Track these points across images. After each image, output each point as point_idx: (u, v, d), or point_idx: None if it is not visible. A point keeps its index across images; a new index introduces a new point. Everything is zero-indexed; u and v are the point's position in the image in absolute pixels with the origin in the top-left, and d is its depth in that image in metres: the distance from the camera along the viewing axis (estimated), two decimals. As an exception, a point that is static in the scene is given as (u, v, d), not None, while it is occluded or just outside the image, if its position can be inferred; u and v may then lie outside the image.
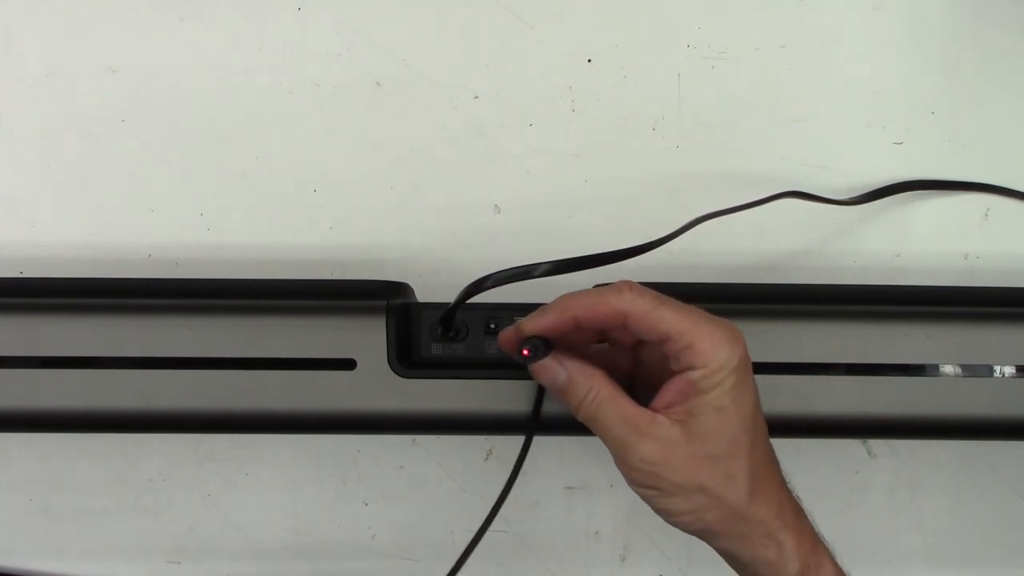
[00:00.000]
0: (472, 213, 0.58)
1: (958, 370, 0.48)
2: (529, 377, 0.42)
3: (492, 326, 0.48)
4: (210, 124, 0.58)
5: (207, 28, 0.58)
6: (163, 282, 0.50)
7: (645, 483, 0.39)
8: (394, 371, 0.47)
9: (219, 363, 0.47)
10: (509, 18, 0.59)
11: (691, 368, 0.38)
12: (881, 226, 0.58)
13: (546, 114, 0.58)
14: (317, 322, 0.48)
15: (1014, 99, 0.59)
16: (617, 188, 0.58)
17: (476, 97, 0.58)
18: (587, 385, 0.40)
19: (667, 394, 0.39)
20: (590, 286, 0.41)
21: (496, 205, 0.58)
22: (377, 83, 0.58)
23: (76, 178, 0.58)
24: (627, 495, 0.57)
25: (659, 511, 0.40)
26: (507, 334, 0.41)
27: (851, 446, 0.58)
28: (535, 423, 0.47)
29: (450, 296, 0.45)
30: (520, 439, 0.57)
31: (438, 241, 0.57)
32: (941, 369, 0.48)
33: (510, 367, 0.46)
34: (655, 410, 0.39)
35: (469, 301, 0.42)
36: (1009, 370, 0.48)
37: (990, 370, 0.48)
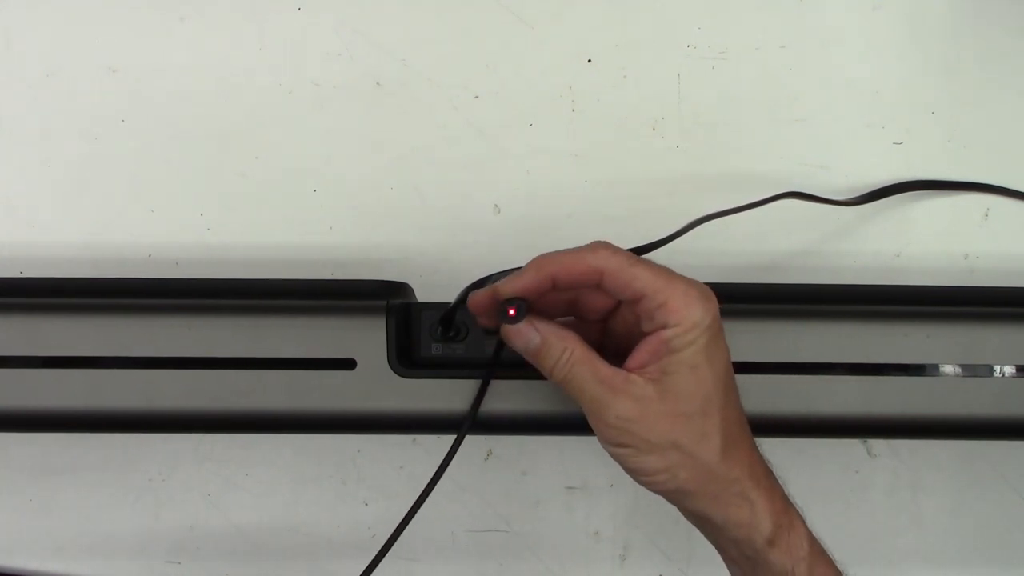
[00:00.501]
0: (472, 213, 0.58)
1: (958, 370, 0.48)
2: (530, 376, 0.42)
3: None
4: (210, 124, 0.58)
5: (207, 28, 0.58)
6: (163, 282, 0.50)
7: (619, 441, 0.39)
8: (394, 371, 0.47)
9: (219, 363, 0.47)
10: (509, 18, 0.59)
11: (665, 327, 0.38)
12: (881, 226, 0.58)
13: (546, 114, 0.58)
14: (317, 322, 0.48)
15: (1014, 99, 0.59)
16: (617, 188, 0.58)
17: (476, 97, 0.58)
18: (561, 346, 0.40)
19: (640, 354, 0.39)
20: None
21: (496, 205, 0.58)
22: (377, 83, 0.58)
23: (76, 178, 0.58)
24: (627, 495, 0.58)
25: (632, 471, 0.40)
26: (480, 296, 0.40)
27: (851, 446, 0.58)
28: (495, 366, 0.46)
29: (450, 296, 0.45)
30: (520, 439, 0.57)
31: (438, 241, 0.57)
32: (941, 369, 0.48)
33: (510, 367, 0.45)
34: (629, 370, 0.39)
35: (469, 301, 0.42)
36: (1009, 370, 0.48)
37: (990, 370, 0.48)
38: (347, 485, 0.57)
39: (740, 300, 0.48)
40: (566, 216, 0.58)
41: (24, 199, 0.57)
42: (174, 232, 0.57)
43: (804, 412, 0.48)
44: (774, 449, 0.43)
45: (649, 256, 0.41)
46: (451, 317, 0.46)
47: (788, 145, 0.58)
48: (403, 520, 0.45)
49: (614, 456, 0.40)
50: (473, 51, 0.59)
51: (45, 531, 0.57)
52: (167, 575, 0.57)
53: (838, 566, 0.41)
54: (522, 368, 0.42)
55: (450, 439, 0.57)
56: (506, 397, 0.47)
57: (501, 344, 0.44)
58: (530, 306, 0.40)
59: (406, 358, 0.48)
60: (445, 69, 0.58)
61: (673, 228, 0.46)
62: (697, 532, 0.42)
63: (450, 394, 0.47)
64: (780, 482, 0.41)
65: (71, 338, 0.47)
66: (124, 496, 0.57)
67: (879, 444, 0.58)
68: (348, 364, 0.47)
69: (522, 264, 0.40)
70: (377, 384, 0.47)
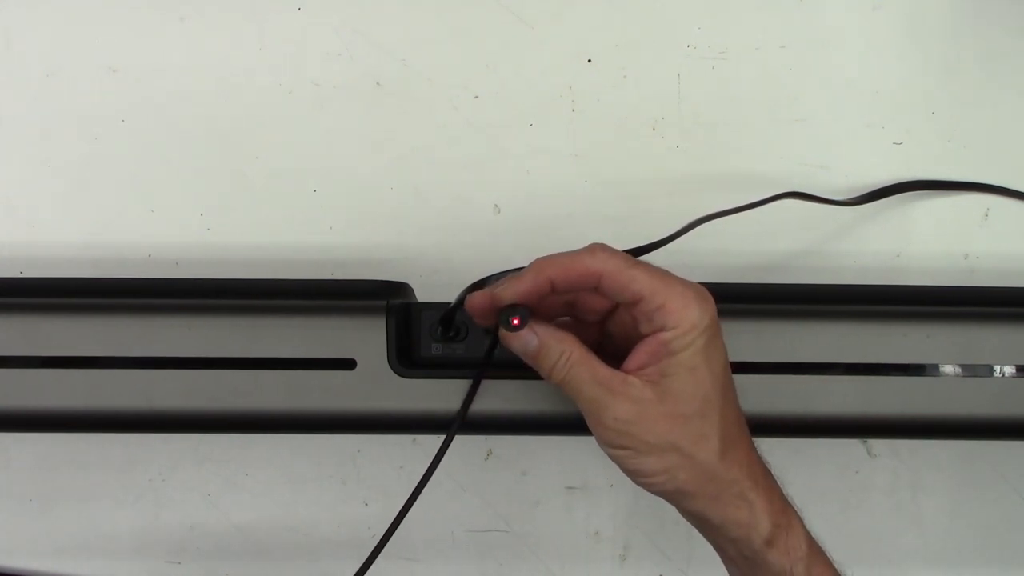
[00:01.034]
0: (472, 213, 0.58)
1: (958, 370, 0.48)
2: (528, 376, 0.42)
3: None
4: (210, 124, 0.58)
5: (207, 28, 0.58)
6: (163, 282, 0.50)
7: (618, 443, 0.39)
8: (394, 371, 0.47)
9: (219, 363, 0.47)
10: (509, 18, 0.59)
11: (663, 329, 0.38)
12: (881, 226, 0.58)
13: (546, 114, 0.58)
14: (317, 322, 0.48)
15: (1014, 99, 0.59)
16: (617, 188, 0.58)
17: (476, 97, 0.58)
18: (559, 348, 0.40)
19: (639, 356, 0.39)
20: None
21: (496, 205, 0.58)
22: (377, 83, 0.58)
23: (76, 178, 0.58)
24: (627, 495, 0.58)
25: (631, 472, 0.40)
26: (478, 299, 0.40)
27: (851, 446, 0.58)
28: (485, 366, 0.46)
29: (450, 296, 0.45)
30: (520, 439, 0.57)
31: (438, 241, 0.57)
32: (941, 369, 0.48)
33: (508, 367, 0.45)
34: (627, 371, 0.39)
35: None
36: (1009, 370, 0.48)
37: (990, 370, 0.48)
38: (347, 485, 0.57)
39: (740, 300, 0.48)
40: (566, 216, 0.58)
41: (24, 199, 0.57)
42: (174, 232, 0.57)
43: (803, 412, 0.48)
44: (773, 449, 0.43)
45: (648, 256, 0.41)
46: (451, 317, 0.46)
47: (788, 145, 0.58)
48: (396, 518, 0.45)
49: (613, 457, 0.40)
50: (473, 51, 0.59)
51: (45, 531, 0.57)
52: (167, 575, 0.57)
53: (836, 567, 0.41)
54: (520, 368, 0.42)
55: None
56: (504, 397, 0.47)
57: (493, 345, 0.44)
58: (531, 311, 0.40)
59: (406, 358, 0.48)
60: (445, 69, 0.58)
61: (673, 228, 0.46)
62: (697, 532, 0.42)
63: (450, 394, 0.47)
64: (779, 483, 0.41)
65: (71, 338, 0.47)
66: (124, 496, 0.57)
67: (879, 444, 0.58)
68: (348, 364, 0.47)
69: (521, 264, 0.40)
70: (377, 384, 0.47)
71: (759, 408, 0.46)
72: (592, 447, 0.41)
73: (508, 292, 0.39)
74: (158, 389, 0.47)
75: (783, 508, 0.41)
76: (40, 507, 0.57)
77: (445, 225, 0.58)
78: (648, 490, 0.40)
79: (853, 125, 0.59)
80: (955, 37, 0.59)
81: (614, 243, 0.40)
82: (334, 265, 0.57)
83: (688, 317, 0.38)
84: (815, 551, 0.41)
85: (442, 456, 0.45)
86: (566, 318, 0.44)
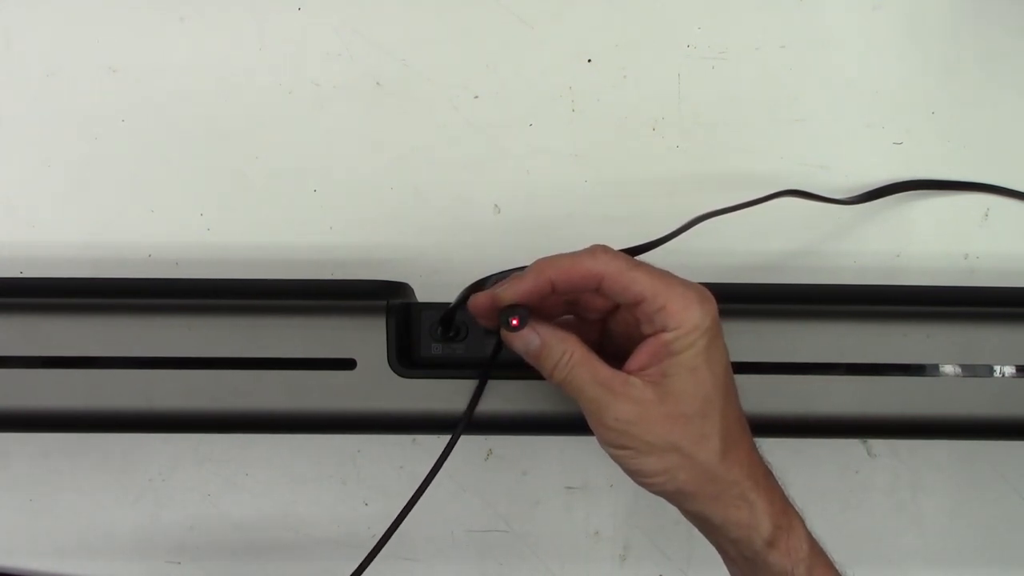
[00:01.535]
0: (472, 213, 0.58)
1: (958, 370, 0.48)
2: (530, 376, 0.42)
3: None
4: (210, 124, 0.58)
5: (207, 28, 0.58)
6: (163, 282, 0.50)
7: (619, 443, 0.39)
8: (394, 371, 0.47)
9: (219, 363, 0.47)
10: (509, 18, 0.59)
11: (664, 330, 0.38)
12: (881, 226, 0.58)
13: (546, 114, 0.58)
14: (317, 322, 0.48)
15: (1014, 99, 0.59)
16: (617, 188, 0.58)
17: (476, 97, 0.58)
18: (560, 348, 0.40)
19: (640, 356, 0.39)
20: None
21: (496, 205, 0.58)
22: (377, 83, 0.58)
23: (76, 178, 0.58)
24: (627, 495, 0.58)
25: (632, 472, 0.40)
26: (481, 300, 0.41)
27: (851, 446, 0.58)
28: (490, 367, 0.46)
29: (450, 296, 0.45)
30: (521, 439, 0.57)
31: (438, 241, 0.57)
32: (941, 369, 0.48)
33: (509, 367, 0.46)
34: (628, 372, 0.40)
35: (469, 301, 0.42)
36: (1009, 370, 0.48)
37: (990, 370, 0.48)
38: (347, 485, 0.57)
39: (740, 300, 0.48)
40: (566, 216, 0.58)
41: (24, 199, 0.57)
42: (174, 232, 0.57)
43: (804, 412, 0.48)
44: (774, 449, 0.43)
45: (648, 255, 0.41)
46: (451, 317, 0.47)
47: (788, 145, 0.58)
48: (397, 518, 0.45)
49: (613, 457, 0.40)
50: (473, 51, 0.59)
51: (45, 531, 0.57)
52: (167, 575, 0.57)
53: (838, 567, 0.41)
54: (521, 368, 0.42)
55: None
56: (505, 397, 0.47)
57: (499, 346, 0.44)
58: (532, 312, 0.40)
59: (406, 358, 0.48)
60: (445, 69, 0.58)
61: (673, 228, 0.46)
62: (697, 532, 0.42)
63: (450, 394, 0.47)
64: (780, 483, 0.41)
65: (71, 338, 0.47)
66: (124, 496, 0.57)
67: (879, 444, 0.58)
68: (348, 364, 0.47)
69: (522, 264, 0.40)
70: (377, 384, 0.47)
71: (759, 408, 0.46)
72: (592, 447, 0.41)
73: (508, 292, 0.40)
74: (158, 389, 0.47)
75: (784, 509, 0.41)
76: (40, 507, 0.57)
77: (445, 225, 0.58)
78: (649, 490, 0.40)
79: (853, 125, 0.59)
80: (955, 37, 0.59)
81: (614, 243, 0.40)
82: (334, 265, 0.57)
83: (690, 318, 0.38)
84: (816, 552, 0.41)
85: (447, 456, 0.45)
86: (569, 317, 0.44)
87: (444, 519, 0.57)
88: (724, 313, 0.40)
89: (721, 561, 0.43)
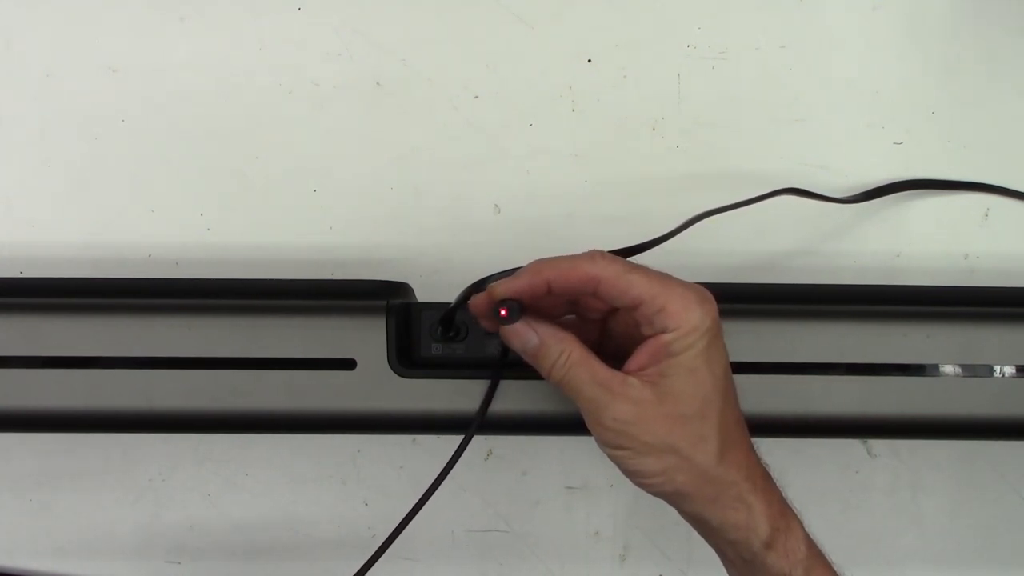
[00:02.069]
0: (472, 213, 0.58)
1: (958, 370, 0.48)
2: (530, 376, 0.42)
3: None
4: (210, 124, 0.58)
5: (207, 28, 0.58)
6: (163, 282, 0.50)
7: (617, 443, 0.39)
8: (394, 371, 0.47)
9: (219, 363, 0.47)
10: (509, 18, 0.59)
11: (664, 331, 0.38)
12: (881, 226, 0.58)
13: (546, 114, 0.58)
14: (317, 322, 0.48)
15: (1014, 99, 0.59)
16: (617, 188, 0.58)
17: (476, 97, 0.58)
18: (559, 348, 0.40)
19: (639, 357, 0.39)
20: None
21: (496, 205, 0.58)
22: (377, 83, 0.58)
23: (76, 178, 0.58)
24: (627, 495, 0.58)
25: (630, 473, 0.40)
26: (479, 298, 0.41)
27: (851, 446, 0.58)
28: (502, 365, 0.46)
29: (450, 296, 0.45)
30: (520, 439, 0.57)
31: (438, 241, 0.57)
32: (941, 369, 0.48)
33: (510, 367, 0.46)
34: (627, 372, 0.39)
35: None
36: (1009, 370, 0.48)
37: (990, 370, 0.48)
38: (347, 485, 0.57)
39: (739, 300, 0.48)
40: (566, 216, 0.58)
41: (24, 199, 0.57)
42: (174, 232, 0.57)
43: (803, 412, 0.48)
44: (773, 449, 0.43)
45: (648, 255, 0.41)
46: (451, 317, 0.47)
47: (788, 145, 0.58)
48: (402, 521, 0.45)
49: (611, 458, 0.40)
50: (473, 51, 0.59)
51: (45, 531, 0.57)
52: (167, 575, 0.57)
53: (836, 569, 0.41)
54: (522, 368, 0.42)
55: (450, 438, 0.57)
56: (507, 397, 0.47)
57: (505, 347, 0.44)
58: (523, 307, 0.40)
59: (406, 358, 0.48)
60: (445, 69, 0.58)
61: (672, 228, 0.46)
62: (696, 532, 0.42)
63: (450, 394, 0.47)
64: (778, 485, 0.41)
65: (71, 338, 0.47)
66: (124, 496, 0.57)
67: (879, 444, 0.58)
68: (348, 364, 0.47)
69: (522, 264, 0.40)
70: (377, 384, 0.47)
71: (759, 408, 0.46)
72: (592, 447, 0.41)
73: (502, 289, 0.40)
74: (158, 389, 0.47)
75: (782, 511, 0.40)
76: (40, 507, 0.57)
77: (445, 225, 0.58)
78: (647, 491, 0.40)
79: (853, 125, 0.59)
80: (955, 37, 0.59)
81: (614, 243, 0.40)
82: (334, 265, 0.57)
83: (689, 319, 0.38)
84: (814, 554, 0.41)
85: (458, 458, 0.45)
86: (570, 316, 0.44)
87: (444, 519, 0.57)
88: (724, 313, 0.40)
89: (720, 562, 0.43)
